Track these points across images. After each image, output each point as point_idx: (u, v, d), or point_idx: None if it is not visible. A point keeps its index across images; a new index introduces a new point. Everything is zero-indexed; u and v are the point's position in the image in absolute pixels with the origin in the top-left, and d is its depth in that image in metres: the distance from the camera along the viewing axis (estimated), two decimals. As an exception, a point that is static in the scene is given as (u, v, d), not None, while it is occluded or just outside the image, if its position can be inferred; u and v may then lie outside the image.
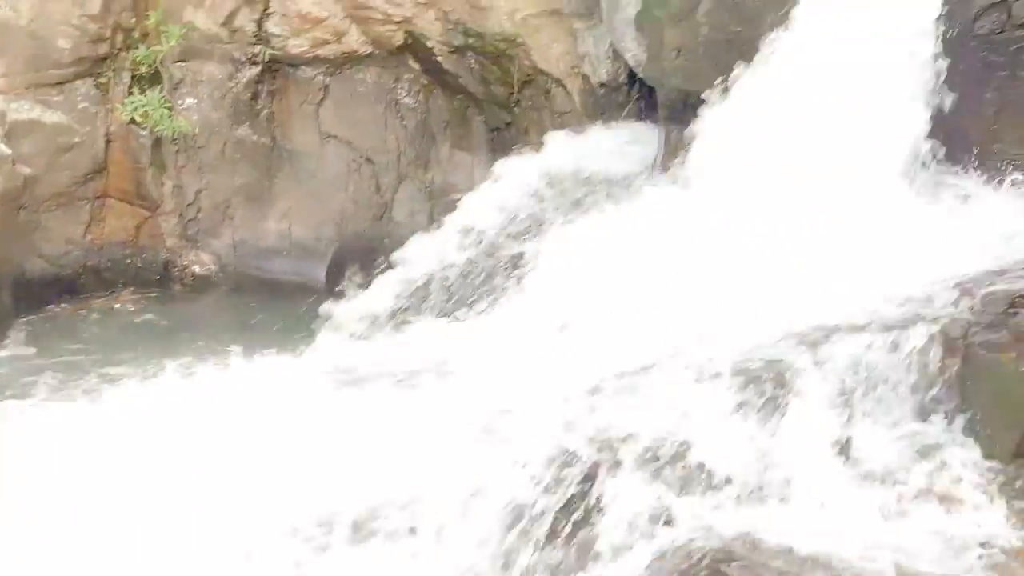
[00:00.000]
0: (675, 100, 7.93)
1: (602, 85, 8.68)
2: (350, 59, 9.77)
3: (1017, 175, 6.43)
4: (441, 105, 9.76)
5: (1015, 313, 5.17)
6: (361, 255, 9.50)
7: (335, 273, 9.56)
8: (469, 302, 7.14)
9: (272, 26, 9.67)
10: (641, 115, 8.62)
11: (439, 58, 9.42)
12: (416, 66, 9.69)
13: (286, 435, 5.79)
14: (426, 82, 9.73)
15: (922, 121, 6.49)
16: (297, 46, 9.70)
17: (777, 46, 7.01)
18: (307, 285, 9.57)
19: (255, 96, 9.83)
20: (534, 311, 6.86)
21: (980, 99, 6.62)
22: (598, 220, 7.20)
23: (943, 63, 6.59)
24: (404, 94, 9.81)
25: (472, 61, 9.33)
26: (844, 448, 5.13)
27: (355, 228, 9.87)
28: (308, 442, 5.70)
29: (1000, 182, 6.42)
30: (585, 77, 8.74)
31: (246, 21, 9.64)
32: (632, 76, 8.42)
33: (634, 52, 8.02)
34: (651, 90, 8.24)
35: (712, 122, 7.17)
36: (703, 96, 7.38)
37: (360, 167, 9.95)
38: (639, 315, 6.26)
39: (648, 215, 7.04)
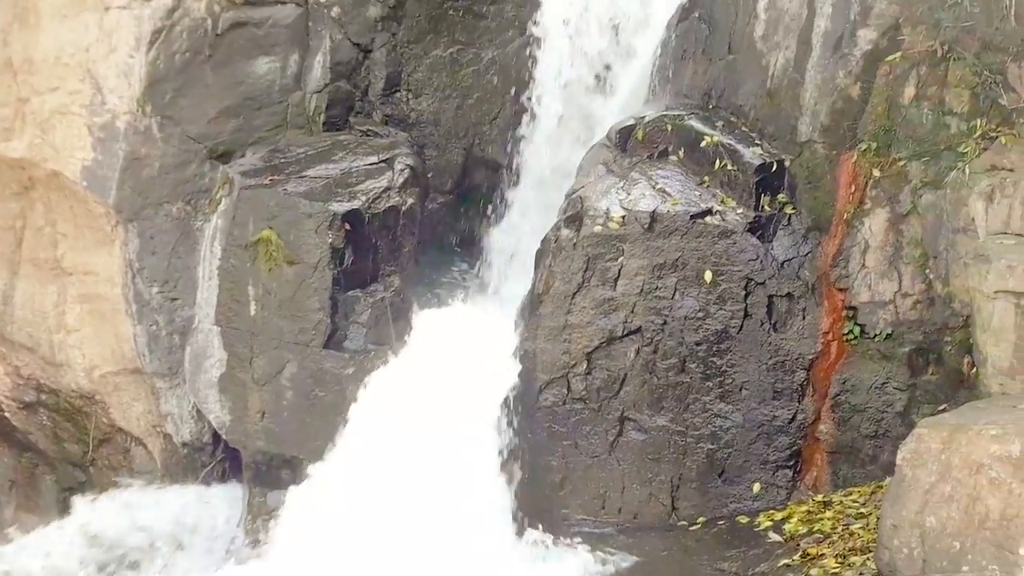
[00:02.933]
0: (260, 462, 7.87)
1: (185, 445, 8.45)
2: None
3: (579, 539, 6.80)
4: (7, 463, 9.06)
5: None
6: None
7: None
8: None
9: None
10: (226, 476, 8.42)
11: (7, 415, 8.84)
12: (-20, 422, 9.02)
13: None
14: (-10, 439, 9.06)
15: (499, 491, 6.83)
16: None
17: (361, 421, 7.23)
18: None
19: None
20: None
21: (548, 467, 7.04)
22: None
23: (514, 435, 7.03)
24: (-38, 452, 9.04)
25: (45, 418, 8.82)
26: None
27: None
28: None
29: (568, 546, 6.74)
30: (167, 436, 8.50)
31: None
32: (217, 436, 8.27)
33: (217, 414, 7.96)
34: (236, 451, 8.12)
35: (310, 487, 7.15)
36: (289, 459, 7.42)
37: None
38: None
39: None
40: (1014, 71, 6.57)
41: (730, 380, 6.98)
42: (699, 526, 6.79)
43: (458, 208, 8.89)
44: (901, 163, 6.82)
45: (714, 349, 6.98)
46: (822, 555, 5.91)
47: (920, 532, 5.47)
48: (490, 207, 8.63)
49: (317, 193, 7.76)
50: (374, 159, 8.15)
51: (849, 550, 5.88)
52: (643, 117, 7.68)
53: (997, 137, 6.55)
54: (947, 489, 5.43)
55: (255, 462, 7.90)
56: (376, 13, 8.56)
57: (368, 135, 8.48)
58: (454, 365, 7.36)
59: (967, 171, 6.57)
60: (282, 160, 8.15)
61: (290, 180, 7.86)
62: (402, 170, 8.06)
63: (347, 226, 7.61)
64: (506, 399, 7.10)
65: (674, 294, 7.00)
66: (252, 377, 7.78)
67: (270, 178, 7.87)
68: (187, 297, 8.22)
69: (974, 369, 6.47)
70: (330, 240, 7.59)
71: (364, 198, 7.77)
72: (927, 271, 6.74)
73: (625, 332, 7.02)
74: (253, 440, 7.83)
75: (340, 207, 7.63)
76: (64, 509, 8.73)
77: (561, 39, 8.32)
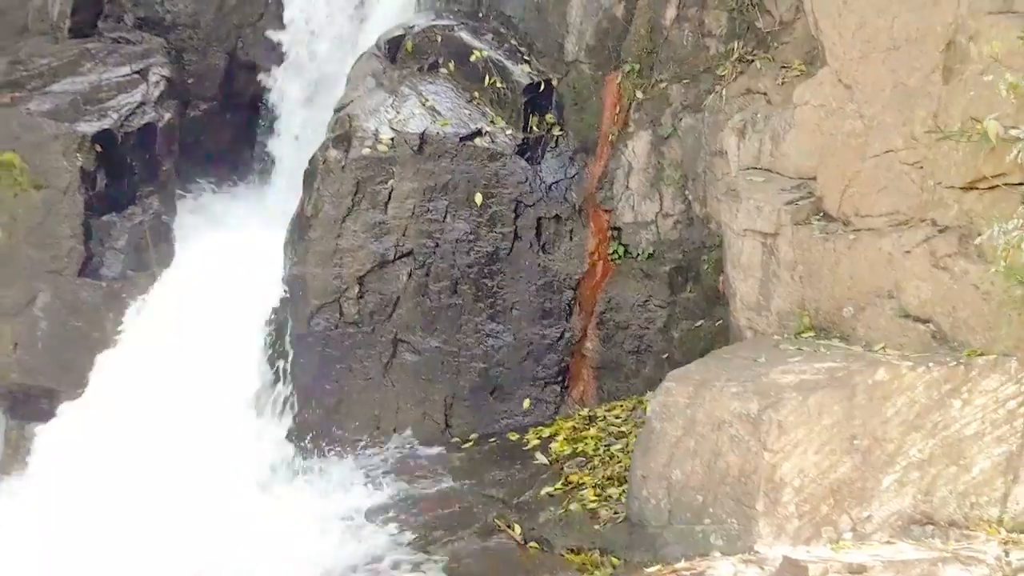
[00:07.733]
0: (16, 393, 7.49)
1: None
2: None
3: (356, 460, 6.85)
4: None
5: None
6: None
7: None
8: None
9: None
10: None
11: None
12: None
13: None
14: None
15: (270, 427, 6.78)
16: None
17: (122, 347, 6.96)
18: None
19: None
20: None
21: (322, 390, 6.99)
22: None
23: (284, 361, 6.93)
24: None
25: None
26: None
27: None
28: None
29: (345, 466, 6.78)
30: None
31: None
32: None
33: (-33, 346, 7.49)
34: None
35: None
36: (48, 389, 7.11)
37: None
38: None
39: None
40: (770, -7, 6.70)
41: (501, 301, 7.05)
42: (471, 443, 6.91)
43: (224, 115, 8.53)
44: (663, 85, 6.92)
45: (485, 271, 7.02)
46: (583, 484, 6.08)
47: (667, 484, 5.44)
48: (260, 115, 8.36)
49: (64, 112, 7.25)
50: (126, 70, 7.67)
51: (607, 479, 6.04)
52: (412, 27, 7.49)
53: (753, 60, 6.71)
54: (692, 444, 5.40)
55: (11, 394, 7.51)
56: (123, -97, 7.97)
57: (119, 42, 7.95)
58: (219, 290, 7.15)
59: (724, 95, 6.73)
60: (24, 73, 7.55)
61: (33, 97, 7.31)
62: (157, 82, 7.63)
63: (98, 147, 7.17)
64: (271, 322, 6.97)
65: (445, 217, 6.96)
66: (2, 307, 7.33)
67: (11, 96, 7.29)
68: (-75, 223, 7.63)
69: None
70: (79, 163, 7.13)
71: (116, 116, 7.33)
72: (686, 192, 6.92)
73: (397, 255, 6.96)
74: (7, 372, 7.40)
75: (89, 128, 7.17)
76: None
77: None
